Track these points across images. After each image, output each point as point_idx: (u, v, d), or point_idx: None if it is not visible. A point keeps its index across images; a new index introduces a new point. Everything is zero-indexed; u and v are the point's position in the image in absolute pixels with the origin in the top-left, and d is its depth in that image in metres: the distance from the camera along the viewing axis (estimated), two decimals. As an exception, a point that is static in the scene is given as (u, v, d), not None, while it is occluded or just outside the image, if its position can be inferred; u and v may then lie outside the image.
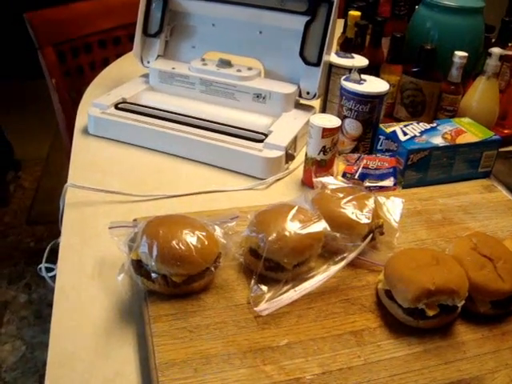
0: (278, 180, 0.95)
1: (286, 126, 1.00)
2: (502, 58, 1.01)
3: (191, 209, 0.80)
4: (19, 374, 1.60)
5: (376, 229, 0.75)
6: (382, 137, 0.96)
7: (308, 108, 1.08)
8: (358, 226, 0.72)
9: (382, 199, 0.78)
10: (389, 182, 0.89)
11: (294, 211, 0.70)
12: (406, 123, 0.98)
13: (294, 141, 0.98)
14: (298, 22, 1.02)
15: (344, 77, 0.98)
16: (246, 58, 1.10)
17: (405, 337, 0.62)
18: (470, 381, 0.58)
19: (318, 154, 0.88)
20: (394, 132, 0.95)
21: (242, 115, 1.04)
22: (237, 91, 1.06)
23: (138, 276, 0.65)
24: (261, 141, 0.95)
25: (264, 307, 0.64)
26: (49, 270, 0.84)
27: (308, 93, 1.06)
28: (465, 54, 1.02)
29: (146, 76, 1.16)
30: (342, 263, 0.69)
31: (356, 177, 0.89)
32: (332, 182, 0.81)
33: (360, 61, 1.04)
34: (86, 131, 1.05)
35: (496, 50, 0.99)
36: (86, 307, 0.67)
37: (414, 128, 0.96)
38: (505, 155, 1.04)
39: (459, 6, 1.10)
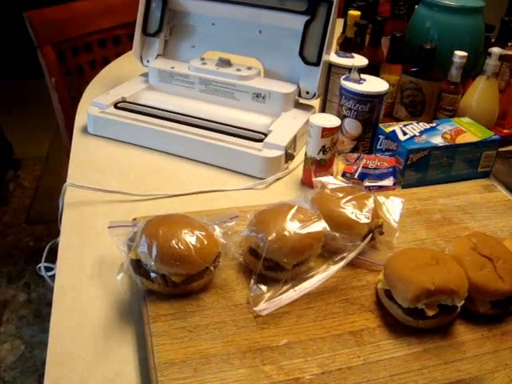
0: (278, 180, 0.95)
1: (285, 126, 1.00)
2: (501, 57, 1.00)
3: (191, 208, 0.80)
4: (18, 373, 1.60)
5: (375, 228, 0.74)
6: (381, 136, 0.96)
7: (308, 108, 1.08)
8: (357, 225, 0.72)
9: (381, 199, 0.78)
10: (388, 182, 0.89)
11: (293, 211, 0.70)
12: (405, 123, 0.98)
13: (294, 140, 0.98)
14: (298, 22, 1.02)
15: (344, 76, 0.98)
16: (246, 58, 1.10)
17: (404, 337, 0.62)
18: (470, 381, 0.58)
19: (318, 153, 0.88)
20: (394, 132, 0.95)
21: (242, 115, 1.04)
22: (236, 91, 1.06)
23: (138, 276, 0.65)
24: (260, 140, 0.95)
25: (263, 307, 0.64)
26: (48, 269, 0.84)
27: (307, 92, 1.06)
28: (464, 53, 1.01)
29: (145, 75, 1.16)
30: (342, 263, 0.69)
31: (355, 176, 0.89)
32: (331, 181, 0.81)
33: (360, 60, 1.04)
34: (85, 130, 1.05)
35: (496, 50, 0.99)
36: (85, 307, 0.67)
37: (414, 128, 0.96)
38: (504, 155, 1.04)
39: (459, 6, 1.10)
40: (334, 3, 0.98)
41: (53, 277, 0.73)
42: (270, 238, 0.66)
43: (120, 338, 0.63)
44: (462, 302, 0.63)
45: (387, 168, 0.90)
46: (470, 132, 0.97)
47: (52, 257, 0.80)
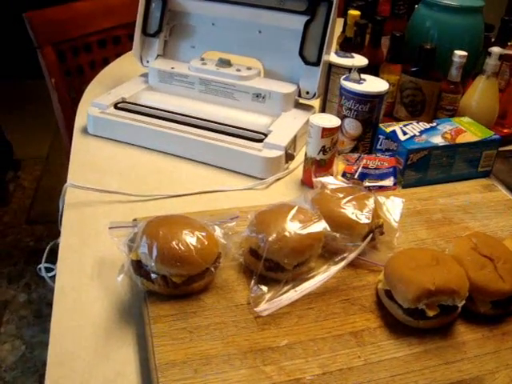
0: (278, 180, 0.95)
1: (285, 126, 1.00)
2: (501, 57, 1.00)
3: (191, 209, 0.80)
4: (19, 374, 1.60)
5: (376, 229, 0.74)
6: (381, 136, 0.96)
7: (308, 108, 1.08)
8: (357, 225, 0.72)
9: (381, 199, 0.78)
10: (388, 182, 0.89)
11: (293, 211, 0.70)
12: (405, 123, 0.98)
13: (294, 140, 0.98)
14: (298, 22, 1.02)
15: (344, 76, 0.98)
16: (246, 58, 1.10)
17: (405, 337, 0.62)
18: (471, 381, 0.58)
19: (318, 153, 0.88)
20: (394, 131, 0.95)
21: (242, 115, 1.04)
22: (236, 91, 1.06)
23: (138, 276, 0.65)
24: (260, 140, 0.95)
25: (264, 307, 0.64)
26: (48, 270, 0.84)
27: (307, 92, 1.06)
28: (464, 53, 1.01)
29: (145, 75, 1.16)
30: (342, 263, 0.69)
31: (356, 176, 0.89)
32: (332, 181, 0.81)
33: (359, 60, 1.04)
34: (85, 131, 1.05)
35: (496, 50, 0.99)
36: (85, 307, 0.67)
37: (414, 127, 0.96)
38: (504, 154, 1.04)
39: (459, 5, 1.10)
40: (334, 3, 0.98)
41: (53, 277, 0.73)
42: (270, 239, 0.66)
43: (121, 339, 0.63)
44: (463, 302, 0.63)
45: (387, 168, 0.90)
46: (470, 132, 0.97)
47: (52, 257, 0.80)
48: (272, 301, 0.65)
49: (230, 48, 1.12)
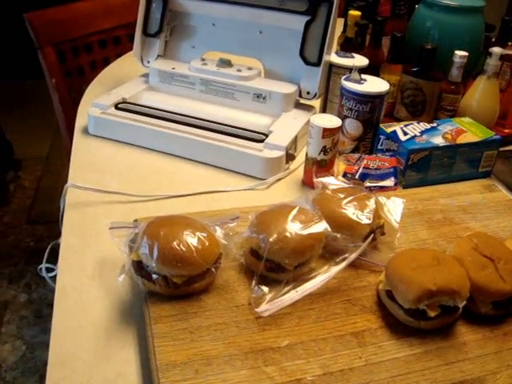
0: (279, 180, 0.95)
1: (286, 126, 1.00)
2: (502, 57, 1.00)
3: (192, 209, 0.80)
4: (19, 374, 1.60)
5: (377, 229, 0.74)
6: (382, 137, 0.96)
7: (308, 108, 1.08)
8: (358, 226, 0.72)
9: (382, 199, 0.78)
10: (389, 182, 0.89)
11: (294, 212, 0.70)
12: (406, 123, 0.98)
13: (295, 141, 0.98)
14: (298, 22, 1.02)
15: (344, 76, 0.98)
16: (246, 58, 1.10)
17: (406, 338, 0.62)
18: (472, 382, 0.58)
19: (319, 154, 0.88)
20: (395, 132, 0.95)
21: (242, 115, 1.04)
22: (237, 91, 1.06)
23: (139, 277, 0.65)
24: (261, 141, 0.95)
25: (265, 308, 0.64)
26: (49, 270, 0.84)
27: (308, 93, 1.06)
28: (465, 53, 1.01)
29: (146, 76, 1.16)
30: (343, 264, 0.69)
31: (356, 177, 0.89)
32: (333, 182, 0.81)
33: (360, 60, 1.04)
34: (86, 131, 1.05)
35: (496, 50, 0.99)
36: (86, 308, 0.67)
37: (415, 128, 0.96)
38: (505, 155, 1.04)
39: (459, 5, 1.10)
40: (335, 3, 0.98)
41: (54, 278, 0.73)
42: (271, 239, 0.66)
43: (121, 340, 0.63)
44: (464, 302, 0.63)
45: (388, 168, 0.90)
46: (470, 132, 0.97)
47: (53, 257, 0.80)
48: (273, 301, 0.64)
49: (230, 48, 1.12)
